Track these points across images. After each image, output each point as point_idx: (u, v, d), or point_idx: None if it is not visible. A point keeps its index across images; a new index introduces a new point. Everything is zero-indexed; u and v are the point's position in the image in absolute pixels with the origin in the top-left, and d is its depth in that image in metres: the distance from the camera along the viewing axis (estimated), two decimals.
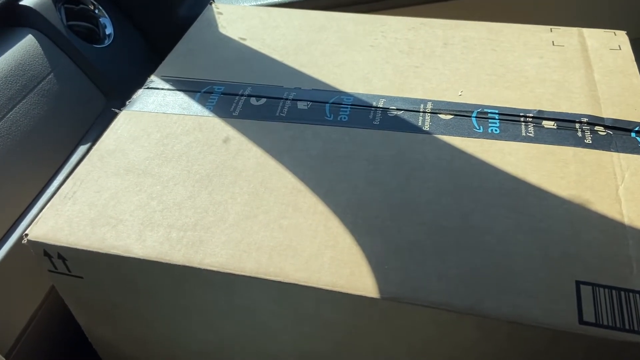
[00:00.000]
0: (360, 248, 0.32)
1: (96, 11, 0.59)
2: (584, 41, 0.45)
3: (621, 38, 0.46)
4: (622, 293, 0.28)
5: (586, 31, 0.47)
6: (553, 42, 0.45)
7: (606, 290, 0.28)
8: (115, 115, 0.43)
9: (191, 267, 0.32)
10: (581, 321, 0.27)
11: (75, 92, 0.53)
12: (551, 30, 0.47)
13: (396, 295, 0.29)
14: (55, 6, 0.54)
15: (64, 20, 0.55)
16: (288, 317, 0.33)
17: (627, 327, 0.27)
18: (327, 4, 0.61)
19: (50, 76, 0.51)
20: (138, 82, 0.47)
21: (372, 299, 0.30)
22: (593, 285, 0.29)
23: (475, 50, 0.45)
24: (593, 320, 0.27)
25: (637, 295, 0.28)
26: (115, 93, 0.56)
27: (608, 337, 0.27)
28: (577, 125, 0.37)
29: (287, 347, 0.36)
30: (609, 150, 0.35)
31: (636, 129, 0.37)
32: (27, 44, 0.51)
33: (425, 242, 0.32)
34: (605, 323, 0.27)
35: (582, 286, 0.29)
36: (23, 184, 0.45)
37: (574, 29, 0.47)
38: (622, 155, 0.35)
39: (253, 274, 0.31)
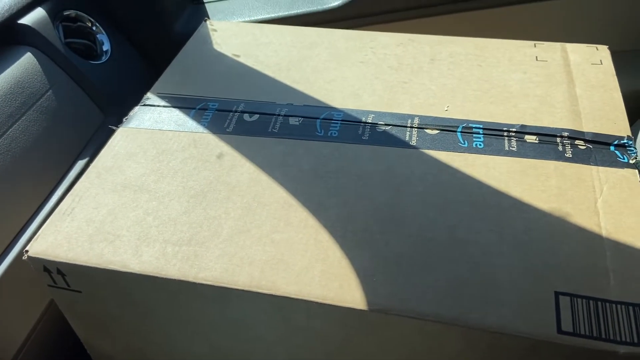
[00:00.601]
0: (349, 261, 0.33)
1: (93, 28, 0.60)
2: (566, 56, 0.47)
3: (603, 53, 0.47)
4: (599, 303, 0.30)
5: (569, 46, 0.48)
6: (537, 57, 0.47)
7: (584, 300, 0.30)
8: (112, 132, 0.44)
9: (186, 282, 0.33)
10: (559, 331, 0.29)
11: (73, 108, 0.54)
12: (535, 46, 0.48)
13: (384, 307, 0.31)
14: (54, 24, 0.56)
15: (62, 38, 0.56)
16: (280, 329, 0.34)
17: (603, 336, 0.28)
18: (318, 19, 0.63)
19: (48, 93, 0.52)
20: (134, 97, 0.48)
21: (360, 311, 0.31)
22: (571, 296, 0.30)
23: (462, 65, 0.47)
24: (571, 330, 0.29)
25: (614, 305, 0.30)
26: (112, 108, 0.58)
27: (585, 346, 0.28)
28: (559, 140, 0.39)
29: (280, 359, 0.37)
30: (588, 163, 0.37)
31: (615, 142, 0.38)
32: (26, 62, 0.52)
33: (412, 255, 0.33)
34: (582, 332, 0.29)
35: (560, 297, 0.30)
36: (23, 199, 0.46)
37: (557, 44, 0.48)
38: (601, 168, 0.36)
39: (246, 288, 0.32)
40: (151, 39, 0.64)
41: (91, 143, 0.54)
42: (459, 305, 0.30)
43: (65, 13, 0.58)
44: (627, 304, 0.29)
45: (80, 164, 0.52)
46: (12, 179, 0.46)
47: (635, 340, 0.28)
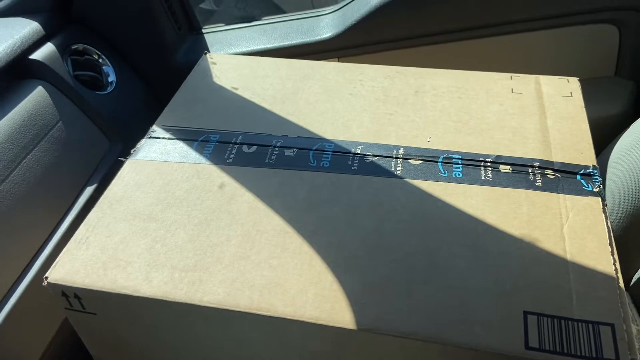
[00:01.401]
0: (340, 285, 0.36)
1: (100, 60, 0.64)
2: (539, 88, 0.51)
3: (573, 85, 0.51)
4: (563, 321, 0.33)
5: (542, 78, 0.52)
6: (512, 89, 0.51)
7: (549, 319, 0.33)
8: (121, 163, 0.47)
9: (192, 305, 0.36)
10: (527, 347, 0.32)
11: (82, 137, 0.58)
12: (511, 78, 0.52)
13: (371, 327, 0.34)
14: (62, 58, 0.60)
15: (71, 71, 0.60)
16: (277, 348, 0.37)
17: (565, 351, 0.32)
18: (311, 49, 0.67)
19: (59, 124, 0.56)
20: (138, 124, 0.52)
21: (350, 330, 0.34)
22: (538, 315, 0.34)
23: (444, 97, 0.51)
24: (537, 346, 0.32)
25: (576, 323, 0.33)
26: (117, 135, 0.61)
27: None
28: (530, 169, 0.42)
29: None
30: (556, 192, 0.41)
31: (581, 172, 0.42)
32: (37, 96, 0.56)
33: (396, 279, 0.36)
34: (547, 348, 0.32)
35: (529, 316, 0.34)
36: (37, 225, 0.50)
37: (532, 77, 0.52)
38: (567, 196, 0.40)
39: (246, 310, 0.36)
40: (154, 68, 0.67)
41: (98, 170, 0.58)
42: (436, 325, 0.34)
43: (73, 47, 0.62)
44: (587, 322, 0.33)
45: (89, 190, 0.55)
46: (27, 207, 0.49)
47: (594, 354, 0.32)
